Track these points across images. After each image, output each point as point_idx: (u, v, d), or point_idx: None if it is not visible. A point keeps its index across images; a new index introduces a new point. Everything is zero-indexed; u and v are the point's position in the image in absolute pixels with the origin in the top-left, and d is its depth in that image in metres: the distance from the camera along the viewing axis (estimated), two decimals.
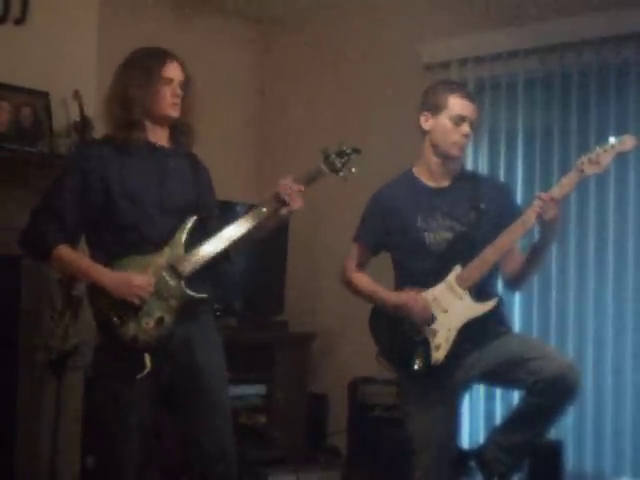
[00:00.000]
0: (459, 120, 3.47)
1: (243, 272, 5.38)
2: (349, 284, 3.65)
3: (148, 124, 3.15)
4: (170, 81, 3.13)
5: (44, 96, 4.43)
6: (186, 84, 3.19)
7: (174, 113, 3.16)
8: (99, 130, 4.22)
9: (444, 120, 3.48)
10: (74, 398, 4.40)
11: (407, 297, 3.42)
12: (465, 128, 3.48)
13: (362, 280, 3.62)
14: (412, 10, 5.12)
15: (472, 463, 3.55)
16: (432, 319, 3.39)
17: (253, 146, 5.85)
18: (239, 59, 5.79)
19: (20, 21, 4.38)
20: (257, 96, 5.88)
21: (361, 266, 3.65)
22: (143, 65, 3.12)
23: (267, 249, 5.31)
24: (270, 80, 5.88)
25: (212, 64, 5.36)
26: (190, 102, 3.21)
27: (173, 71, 3.15)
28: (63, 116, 4.46)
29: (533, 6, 4.65)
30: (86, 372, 4.36)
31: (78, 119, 4.41)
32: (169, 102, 3.14)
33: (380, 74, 5.29)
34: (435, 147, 3.53)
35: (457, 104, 3.47)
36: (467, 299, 3.39)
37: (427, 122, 3.53)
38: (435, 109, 3.49)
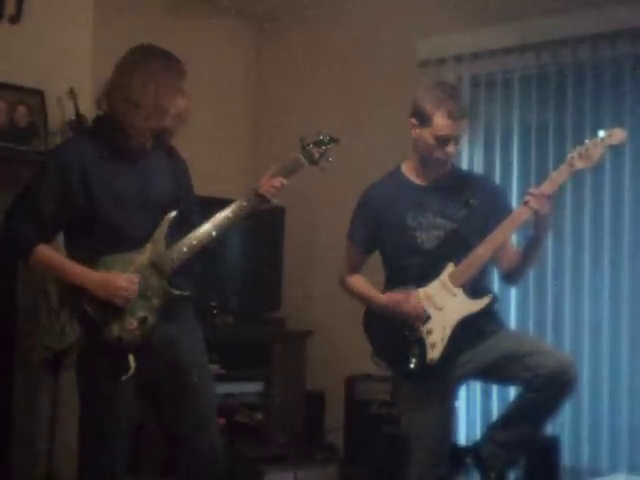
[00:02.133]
0: (443, 140, 3.43)
1: (240, 269, 5.39)
2: (344, 287, 3.67)
3: None
4: (185, 93, 3.14)
5: (39, 94, 4.43)
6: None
7: (171, 122, 3.15)
8: None
9: (428, 137, 3.43)
10: (71, 397, 4.39)
11: (398, 296, 3.42)
12: (449, 148, 3.44)
13: (355, 283, 3.63)
14: (408, 7, 5.12)
15: (469, 459, 3.56)
16: (426, 317, 3.40)
17: (249, 144, 5.84)
18: (234, 57, 5.78)
19: (15, 19, 4.38)
20: (253, 94, 5.88)
21: (356, 266, 3.65)
22: (170, 73, 3.10)
23: (263, 246, 5.32)
24: (266, 78, 5.87)
25: (207, 62, 5.35)
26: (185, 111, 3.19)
27: (186, 83, 3.15)
28: (58, 114, 4.45)
29: (528, 2, 4.64)
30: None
31: (73, 117, 4.41)
32: (177, 113, 3.13)
33: (376, 71, 5.28)
34: (419, 155, 3.52)
35: (442, 125, 3.39)
36: (461, 296, 3.39)
37: (413, 129, 3.49)
38: (421, 120, 3.44)
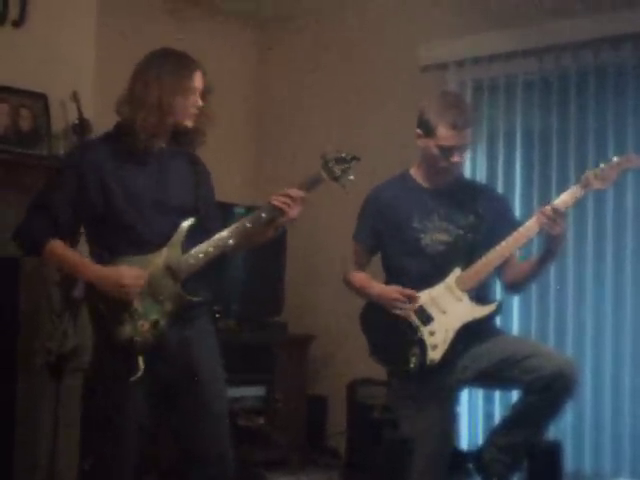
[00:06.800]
0: (447, 150, 3.44)
1: (242, 273, 5.38)
2: (346, 283, 3.67)
3: None
4: (195, 91, 3.13)
5: (42, 98, 4.42)
6: (204, 93, 3.18)
7: (190, 123, 3.14)
8: (98, 132, 4.23)
9: (433, 147, 3.46)
10: (73, 400, 4.39)
11: (390, 291, 3.44)
12: (455, 158, 3.46)
13: (356, 277, 3.64)
14: (410, 12, 5.12)
15: (471, 465, 3.55)
16: (429, 319, 3.40)
17: (252, 147, 5.85)
18: (238, 60, 5.78)
19: (18, 23, 4.37)
20: (256, 97, 5.88)
21: (360, 265, 3.67)
22: (175, 72, 3.10)
23: (266, 250, 5.29)
24: (269, 81, 5.88)
25: (211, 65, 5.34)
26: (205, 111, 3.18)
27: (197, 81, 3.14)
28: (61, 118, 4.45)
29: (531, 7, 4.65)
30: (85, 374, 4.36)
31: (76, 121, 4.41)
32: (189, 112, 3.12)
33: (378, 76, 5.29)
34: (425, 163, 3.55)
35: (445, 136, 3.42)
36: (466, 301, 3.40)
37: (419, 139, 3.51)
38: (426, 131, 3.47)
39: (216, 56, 5.54)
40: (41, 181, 4.09)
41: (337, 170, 3.23)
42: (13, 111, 4.34)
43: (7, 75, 4.28)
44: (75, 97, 4.41)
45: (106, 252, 3.07)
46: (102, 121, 4.25)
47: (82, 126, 4.39)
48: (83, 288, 4.17)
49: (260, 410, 5.05)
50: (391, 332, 3.44)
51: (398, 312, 3.43)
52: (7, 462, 4.29)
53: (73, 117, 4.42)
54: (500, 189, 4.56)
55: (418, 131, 3.51)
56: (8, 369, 4.31)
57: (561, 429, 4.20)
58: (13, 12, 4.36)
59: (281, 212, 3.15)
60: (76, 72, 4.51)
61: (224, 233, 3.12)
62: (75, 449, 4.41)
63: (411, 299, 3.42)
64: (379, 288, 3.53)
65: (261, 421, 5.02)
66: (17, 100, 4.35)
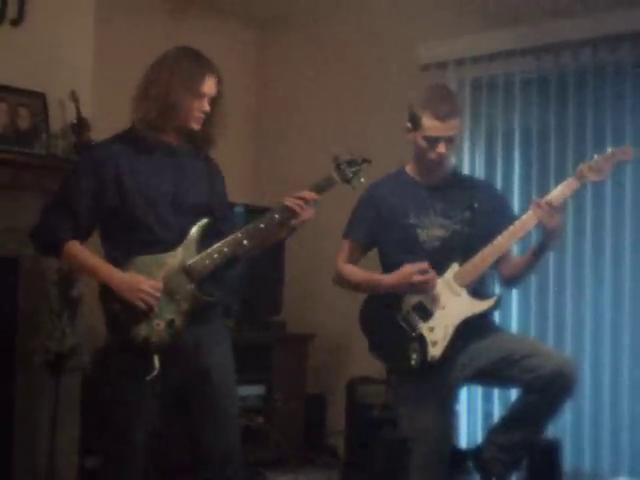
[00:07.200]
0: (433, 141, 3.46)
1: (241, 273, 5.38)
2: (341, 278, 3.64)
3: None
4: (203, 95, 3.13)
5: (41, 97, 4.42)
6: (215, 99, 3.18)
7: (195, 126, 3.15)
8: (96, 131, 4.24)
9: (420, 139, 3.48)
10: (72, 399, 4.40)
11: (403, 269, 3.40)
12: (440, 148, 3.47)
13: (353, 270, 3.61)
14: (409, 10, 5.13)
15: (470, 463, 3.55)
16: (428, 315, 3.39)
17: (250, 147, 5.85)
18: (236, 59, 5.78)
19: (17, 22, 4.37)
20: (255, 97, 5.88)
21: (352, 262, 3.64)
22: (186, 73, 3.11)
23: (265, 250, 5.31)
24: (268, 81, 5.88)
25: None
26: (215, 117, 3.19)
27: (209, 86, 3.15)
28: (60, 117, 4.45)
29: (529, 6, 4.66)
30: (84, 373, 4.36)
31: (75, 120, 4.41)
32: (194, 115, 3.13)
33: (378, 74, 5.29)
34: (416, 158, 3.57)
35: (430, 126, 3.44)
36: (465, 297, 3.40)
37: (409, 134, 3.54)
38: (413, 123, 3.49)
39: (214, 56, 5.49)
40: (39, 180, 4.12)
41: (349, 172, 3.25)
42: (11, 110, 4.33)
43: (5, 74, 4.27)
44: (73, 96, 4.40)
45: (121, 251, 3.07)
46: (100, 120, 4.28)
47: (80, 125, 4.39)
48: (82, 287, 4.21)
49: (259, 409, 5.04)
50: (391, 328, 3.44)
51: (423, 293, 3.40)
52: (6, 461, 4.29)
53: (71, 116, 4.42)
54: (499, 187, 4.55)
55: (407, 125, 3.52)
56: (7, 368, 4.31)
57: (560, 428, 4.20)
58: (11, 11, 4.35)
59: (294, 213, 3.15)
60: (74, 71, 4.51)
61: (239, 234, 3.13)
62: (74, 448, 4.42)
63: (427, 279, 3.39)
64: (391, 277, 3.46)
65: (260, 420, 5.02)
66: (15, 99, 4.35)
